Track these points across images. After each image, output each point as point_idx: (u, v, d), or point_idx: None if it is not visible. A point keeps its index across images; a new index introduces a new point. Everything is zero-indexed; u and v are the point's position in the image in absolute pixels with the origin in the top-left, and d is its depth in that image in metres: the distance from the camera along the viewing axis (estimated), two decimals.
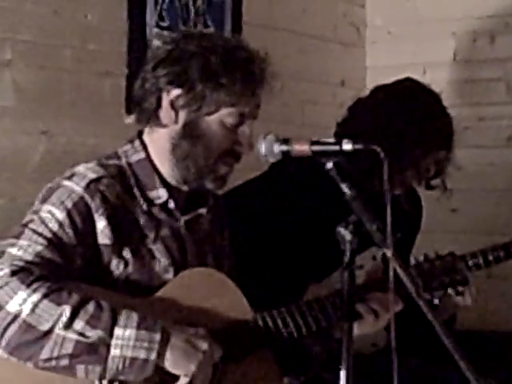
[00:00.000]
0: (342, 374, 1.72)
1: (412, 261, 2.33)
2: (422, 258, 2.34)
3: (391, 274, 1.71)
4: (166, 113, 2.05)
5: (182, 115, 2.05)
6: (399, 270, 1.71)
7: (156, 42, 2.98)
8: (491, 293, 3.49)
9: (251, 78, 2.04)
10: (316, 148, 1.82)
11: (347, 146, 1.79)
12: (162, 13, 3.08)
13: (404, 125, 2.56)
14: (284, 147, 1.85)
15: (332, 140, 1.82)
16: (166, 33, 3.05)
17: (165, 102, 2.05)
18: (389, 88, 2.67)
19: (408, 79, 2.72)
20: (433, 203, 3.70)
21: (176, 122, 2.05)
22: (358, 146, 1.79)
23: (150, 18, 3.04)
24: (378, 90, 2.69)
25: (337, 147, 1.80)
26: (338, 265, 2.40)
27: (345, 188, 1.77)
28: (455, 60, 3.73)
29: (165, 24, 3.08)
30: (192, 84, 2.02)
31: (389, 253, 1.70)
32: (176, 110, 2.05)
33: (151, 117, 2.07)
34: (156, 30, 3.04)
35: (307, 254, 2.51)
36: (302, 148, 1.84)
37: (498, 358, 2.80)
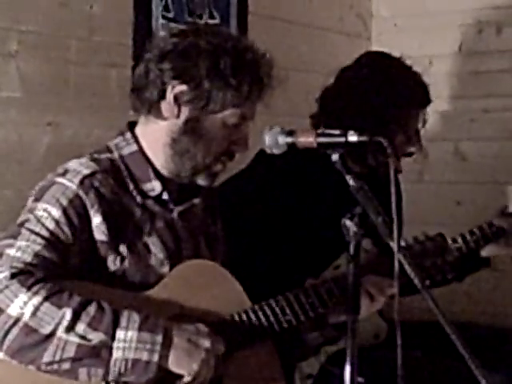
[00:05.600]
0: (347, 366, 1.72)
1: (402, 243, 2.33)
2: (411, 240, 2.35)
3: (396, 266, 1.71)
4: (168, 106, 2.04)
5: (185, 111, 2.04)
6: (404, 262, 1.71)
7: (161, 33, 2.97)
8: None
9: (258, 81, 2.04)
10: (321, 140, 1.82)
11: (353, 137, 1.79)
12: (168, 4, 3.08)
13: (378, 92, 2.56)
14: (289, 139, 1.85)
15: (337, 132, 1.81)
16: (171, 24, 3.05)
17: (168, 96, 2.04)
18: (350, 67, 2.67)
19: (367, 53, 2.74)
20: (437, 196, 3.71)
21: (178, 116, 2.05)
22: (364, 138, 1.79)
23: (156, 9, 3.04)
24: (341, 72, 2.69)
25: (342, 139, 1.80)
26: (334, 257, 2.42)
27: (350, 180, 1.77)
28: (461, 52, 3.73)
29: (170, 15, 3.08)
30: (199, 81, 2.01)
31: (393, 245, 1.71)
32: (179, 105, 2.04)
33: (151, 108, 2.07)
34: (162, 21, 3.04)
35: (304, 247, 2.51)
36: (307, 140, 1.84)
37: (501, 353, 2.80)
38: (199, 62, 2.02)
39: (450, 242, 2.41)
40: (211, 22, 3.15)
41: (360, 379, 1.74)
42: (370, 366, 2.20)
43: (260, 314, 2.08)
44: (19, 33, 2.64)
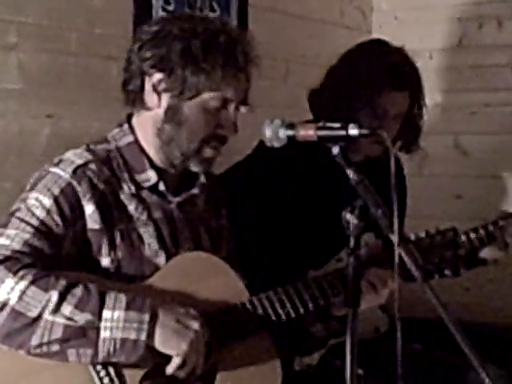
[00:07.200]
0: (347, 359, 1.72)
1: (412, 237, 2.33)
2: (423, 234, 2.35)
3: (396, 258, 1.70)
4: (149, 96, 2.05)
5: (165, 99, 2.05)
6: (404, 255, 1.71)
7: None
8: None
9: (233, 62, 2.03)
10: (322, 133, 1.81)
11: (353, 130, 1.78)
12: None
13: (347, 71, 2.58)
14: (289, 132, 1.84)
15: (338, 125, 1.81)
16: None
17: (147, 86, 2.05)
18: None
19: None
20: (437, 189, 3.70)
21: (159, 105, 2.05)
22: (364, 131, 1.79)
23: (156, 1, 3.03)
24: None
25: (343, 132, 1.79)
26: (336, 250, 2.41)
27: (350, 173, 1.77)
28: (461, 45, 3.72)
29: (170, 8, 3.07)
30: (173, 68, 2.02)
31: (394, 238, 1.70)
32: (159, 94, 2.05)
33: (136, 99, 2.08)
34: (162, 13, 3.03)
35: (306, 240, 2.51)
36: (307, 133, 1.83)
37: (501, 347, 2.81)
38: (172, 49, 2.02)
39: (461, 236, 2.40)
40: (212, 14, 3.14)
41: (359, 371, 1.74)
42: (369, 359, 2.20)
43: (258, 305, 2.07)
44: (19, 24, 2.63)
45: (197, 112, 2.04)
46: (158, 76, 2.03)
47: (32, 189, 1.99)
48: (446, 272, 2.35)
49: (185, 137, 2.04)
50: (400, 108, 2.59)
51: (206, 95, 2.03)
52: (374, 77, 2.52)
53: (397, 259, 1.70)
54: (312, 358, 2.46)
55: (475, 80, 3.68)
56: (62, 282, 1.86)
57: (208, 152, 2.07)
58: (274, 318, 2.08)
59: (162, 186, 2.10)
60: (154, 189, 2.10)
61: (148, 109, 2.07)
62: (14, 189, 2.58)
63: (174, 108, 2.04)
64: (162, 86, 2.04)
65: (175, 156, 2.07)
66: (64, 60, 2.76)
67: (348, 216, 1.74)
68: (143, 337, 1.86)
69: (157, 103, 2.05)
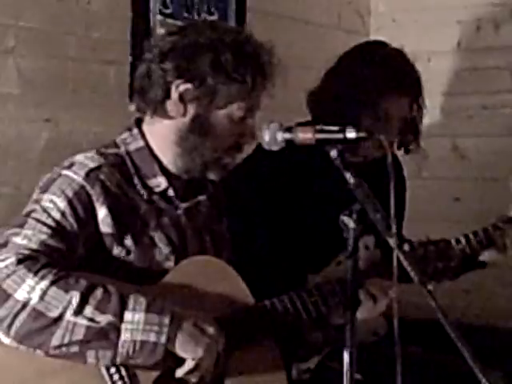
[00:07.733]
0: (345, 363, 1.72)
1: (406, 247, 2.33)
2: (415, 243, 2.35)
3: (395, 262, 1.71)
4: (174, 106, 2.05)
5: (191, 109, 2.05)
6: (403, 259, 1.71)
7: (159, 30, 2.98)
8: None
9: (261, 71, 2.05)
10: (320, 136, 1.82)
11: (351, 134, 1.79)
12: (166, 0, 3.07)
13: (349, 73, 2.58)
14: (288, 135, 1.85)
15: (336, 128, 1.81)
16: (169, 20, 3.05)
17: (174, 95, 2.04)
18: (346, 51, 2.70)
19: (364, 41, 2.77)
20: (435, 192, 3.71)
21: (184, 115, 2.05)
22: (362, 135, 1.79)
23: (154, 5, 3.03)
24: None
25: (340, 135, 1.80)
26: (335, 253, 2.42)
27: (349, 176, 1.77)
28: (459, 48, 3.73)
29: (168, 11, 3.07)
30: (203, 78, 2.02)
31: (392, 242, 1.70)
32: (185, 104, 2.04)
33: (157, 108, 2.07)
34: (159, 17, 3.03)
35: (305, 242, 2.51)
36: (305, 136, 1.83)
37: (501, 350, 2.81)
38: (201, 59, 2.02)
39: (453, 243, 2.40)
40: (209, 18, 3.15)
41: (358, 376, 1.74)
42: (368, 363, 2.20)
43: (263, 311, 2.08)
44: (17, 28, 2.64)
45: (223, 122, 2.05)
46: (185, 86, 2.03)
47: (45, 191, 1.99)
48: (439, 281, 2.36)
49: (209, 146, 2.05)
50: (402, 112, 2.60)
51: (234, 105, 2.04)
52: (378, 81, 2.53)
53: (395, 262, 1.70)
54: (310, 362, 2.46)
55: (473, 82, 3.68)
56: (83, 283, 1.87)
57: (226, 160, 2.09)
58: (278, 324, 2.09)
59: (171, 192, 2.11)
60: (162, 194, 2.10)
61: (169, 117, 2.06)
62: (12, 193, 2.59)
63: (202, 118, 2.05)
64: (190, 96, 2.03)
65: (196, 164, 2.07)
66: (62, 64, 2.76)
67: (346, 219, 1.75)
68: (163, 340, 1.86)
69: (182, 112, 2.05)
